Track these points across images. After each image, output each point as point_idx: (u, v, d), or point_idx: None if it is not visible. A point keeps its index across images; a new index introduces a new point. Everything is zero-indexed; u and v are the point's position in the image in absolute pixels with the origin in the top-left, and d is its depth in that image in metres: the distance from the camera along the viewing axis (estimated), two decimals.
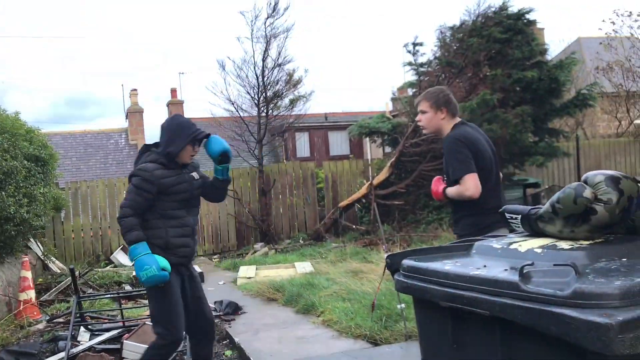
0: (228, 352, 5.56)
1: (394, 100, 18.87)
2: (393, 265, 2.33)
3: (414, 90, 13.95)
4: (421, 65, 13.10)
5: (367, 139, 15.50)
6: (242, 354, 5.34)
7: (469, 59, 11.97)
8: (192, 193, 3.75)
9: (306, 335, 5.70)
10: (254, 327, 6.19)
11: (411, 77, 13.81)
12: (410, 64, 13.10)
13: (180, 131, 3.65)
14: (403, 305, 5.28)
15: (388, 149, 15.89)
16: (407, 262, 2.19)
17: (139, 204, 3.54)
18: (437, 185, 3.67)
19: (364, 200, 13.49)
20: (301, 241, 13.63)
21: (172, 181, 3.63)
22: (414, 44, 12.70)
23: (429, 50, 13.53)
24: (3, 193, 7.03)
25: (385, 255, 5.37)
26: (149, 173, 3.57)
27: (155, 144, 3.78)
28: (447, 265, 2.02)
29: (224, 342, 5.93)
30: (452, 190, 3.45)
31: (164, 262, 3.41)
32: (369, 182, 13.17)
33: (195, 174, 3.84)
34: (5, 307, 7.20)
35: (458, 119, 3.60)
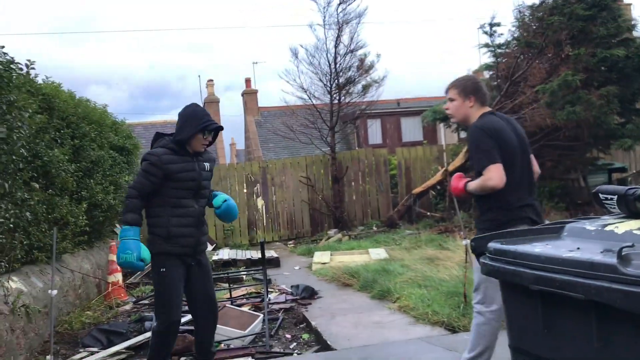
0: (305, 336, 5.64)
1: None
2: (477, 248, 2.26)
3: (491, 72, 13.51)
4: (498, 46, 12.64)
5: (442, 124, 15.18)
6: (319, 337, 5.39)
7: (549, 39, 11.44)
8: (200, 182, 3.77)
9: (382, 320, 5.68)
10: (330, 312, 6.24)
11: (488, 59, 13.36)
12: (486, 45, 12.67)
13: (192, 120, 3.72)
14: None
15: (463, 134, 15.51)
16: (493, 244, 2.12)
17: (145, 186, 3.67)
18: (458, 181, 3.49)
19: (438, 187, 13.26)
20: (374, 228, 13.60)
21: (179, 167, 3.68)
22: (491, 25, 12.26)
23: (507, 31, 12.97)
24: (91, 181, 7.42)
25: (464, 241, 5.27)
26: (156, 157, 3.68)
27: (172, 134, 3.89)
28: (537, 248, 1.94)
29: (301, 325, 6.02)
30: (474, 184, 3.30)
31: (145, 253, 3.53)
32: (444, 169, 12.92)
33: (207, 165, 3.87)
34: (95, 289, 7.63)
35: (487, 109, 3.44)
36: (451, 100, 3.42)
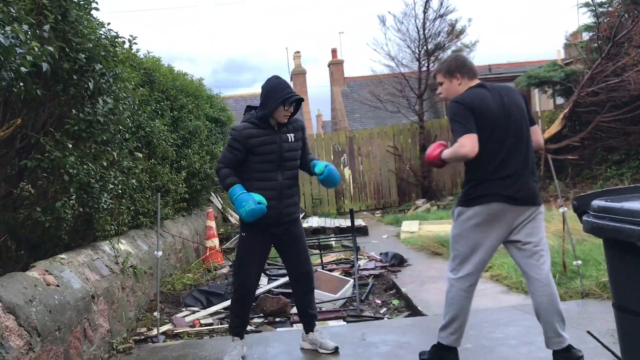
0: (395, 301, 5.69)
1: (566, 46, 17.37)
2: (580, 207, 2.20)
3: (591, 34, 12.71)
4: (600, 4, 11.85)
5: (537, 90, 14.52)
6: (409, 303, 5.43)
7: None
8: (282, 154, 3.79)
9: None
10: (419, 279, 6.25)
11: (587, 19, 12.57)
12: (587, 4, 11.93)
13: (273, 93, 3.76)
14: (579, 262, 4.98)
15: (560, 100, 14.78)
16: (597, 202, 2.05)
17: (229, 159, 3.79)
18: (435, 148, 3.45)
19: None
20: None
21: (260, 141, 3.73)
22: None
23: None
24: (189, 150, 7.79)
25: (561, 209, 5.08)
26: (237, 132, 3.79)
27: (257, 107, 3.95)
28: None
29: (391, 291, 6.08)
30: (447, 151, 3.30)
31: (259, 197, 3.62)
32: None
33: (291, 135, 3.87)
34: (194, 253, 8.06)
35: (477, 81, 3.35)
36: (440, 84, 3.45)
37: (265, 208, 3.63)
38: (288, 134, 3.86)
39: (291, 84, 24.19)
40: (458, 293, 3.27)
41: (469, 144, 3.06)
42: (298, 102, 3.88)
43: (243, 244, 3.90)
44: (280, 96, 3.74)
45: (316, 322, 4.07)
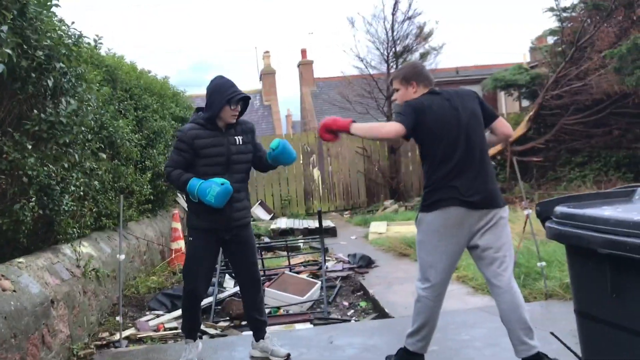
0: (363, 303, 5.69)
1: (532, 50, 17.69)
2: (543, 213, 2.21)
3: (556, 38, 12.97)
4: (564, 10, 12.11)
5: (503, 92, 14.77)
6: (376, 305, 5.44)
7: (619, 1, 10.86)
8: (230, 157, 3.70)
9: None
10: (386, 281, 6.26)
11: (552, 23, 12.82)
12: (551, 9, 12.16)
13: (218, 93, 3.67)
14: (543, 263, 5.06)
15: (525, 103, 15.05)
16: (560, 208, 2.07)
17: (177, 162, 3.69)
18: (338, 119, 3.42)
19: (498, 157, 12.94)
20: None
21: (207, 142, 3.65)
22: None
23: None
24: (154, 151, 7.65)
25: (525, 211, 5.15)
26: (183, 133, 3.70)
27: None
28: (607, 211, 1.88)
29: (358, 293, 6.08)
30: (364, 125, 3.34)
31: (220, 179, 3.55)
32: None
33: (240, 138, 3.76)
34: (159, 256, 7.93)
35: (434, 89, 3.39)
36: (396, 90, 3.46)
37: (230, 186, 3.55)
38: (236, 136, 3.76)
39: (260, 84, 24.08)
40: (426, 304, 3.25)
41: (391, 127, 3.12)
42: (245, 101, 3.79)
43: (191, 249, 3.82)
44: (226, 95, 3.63)
45: (266, 329, 3.99)
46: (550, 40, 13.74)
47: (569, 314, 4.20)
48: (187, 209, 3.93)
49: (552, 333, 3.45)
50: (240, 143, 3.77)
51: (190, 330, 3.92)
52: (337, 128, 3.35)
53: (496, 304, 3.23)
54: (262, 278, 6.11)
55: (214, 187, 3.51)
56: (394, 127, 3.11)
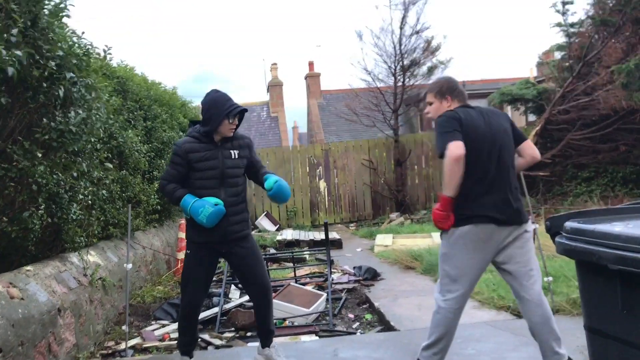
0: (368, 316, 5.67)
1: (539, 65, 17.70)
2: (553, 228, 2.21)
3: (563, 53, 12.99)
4: (572, 25, 12.13)
5: (509, 106, 14.75)
6: (382, 318, 5.41)
7: (627, 17, 10.87)
8: (224, 171, 3.69)
9: None
10: (392, 293, 6.24)
11: (560, 39, 12.84)
12: (559, 24, 12.18)
13: (215, 108, 3.66)
14: (550, 278, 5.03)
15: (532, 117, 15.03)
16: (570, 224, 2.07)
17: (172, 175, 3.71)
18: (438, 211, 3.21)
19: None
20: None
21: (201, 156, 3.65)
22: (564, 3, 11.78)
23: (581, 9, 12.49)
24: (162, 161, 7.68)
25: (532, 225, 5.14)
26: (177, 147, 3.70)
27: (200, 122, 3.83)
28: (617, 227, 1.88)
29: (364, 305, 6.06)
30: (445, 181, 3.12)
31: (214, 199, 3.57)
32: None
33: (235, 152, 3.76)
34: (165, 265, 7.93)
35: (467, 104, 3.39)
36: (430, 103, 3.46)
37: (223, 207, 3.56)
38: (231, 150, 3.76)
39: (267, 96, 24.18)
40: (446, 315, 3.23)
41: (453, 148, 3.01)
42: (242, 113, 3.79)
43: (188, 262, 3.81)
44: (224, 109, 3.64)
45: (273, 339, 3.97)
46: (558, 55, 13.76)
47: (577, 330, 4.19)
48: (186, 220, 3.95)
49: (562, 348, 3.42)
50: (236, 157, 3.77)
51: (186, 344, 3.91)
52: (444, 208, 3.17)
53: (526, 318, 3.21)
54: None
55: (207, 208, 3.52)
56: (453, 153, 2.99)
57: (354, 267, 7.56)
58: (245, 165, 3.85)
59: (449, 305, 3.23)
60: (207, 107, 3.70)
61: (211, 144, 3.71)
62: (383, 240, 9.81)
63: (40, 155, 3.89)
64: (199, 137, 3.71)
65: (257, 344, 4.67)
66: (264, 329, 3.92)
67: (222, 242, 3.73)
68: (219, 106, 3.66)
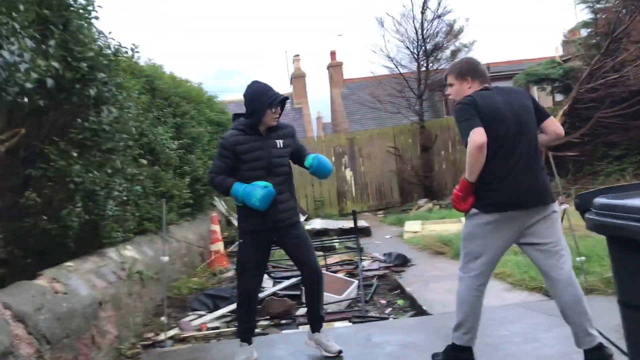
0: (400, 301, 5.72)
1: (565, 43, 17.40)
2: (582, 205, 2.22)
3: (589, 30, 12.74)
4: (597, 1, 11.89)
5: (536, 87, 14.54)
6: (414, 303, 5.45)
7: None
8: (271, 160, 3.75)
9: None
10: (423, 279, 6.27)
11: (585, 15, 12.61)
12: (584, 1, 11.95)
13: (258, 99, 3.69)
14: (583, 258, 4.99)
15: (559, 97, 14.80)
16: (600, 199, 2.08)
17: (220, 168, 3.78)
18: (458, 195, 3.24)
19: None
20: None
21: (248, 147, 3.71)
22: None
23: None
24: (192, 156, 7.82)
25: (562, 206, 5.10)
26: (225, 140, 3.77)
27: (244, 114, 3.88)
28: None
29: (395, 291, 6.10)
30: (466, 167, 3.12)
31: (263, 182, 3.62)
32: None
33: (280, 142, 3.81)
34: (199, 257, 8.09)
35: (487, 86, 3.33)
36: (450, 85, 3.42)
37: (273, 189, 3.64)
38: (277, 140, 3.82)
39: (291, 88, 24.24)
40: (468, 291, 3.25)
41: (475, 135, 3.00)
42: (283, 102, 3.85)
43: (242, 250, 3.91)
44: (266, 100, 3.70)
45: (323, 324, 4.06)
46: (584, 32, 13.51)
47: (611, 309, 4.16)
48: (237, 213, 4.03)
49: (595, 328, 3.43)
50: (281, 146, 3.83)
51: (244, 332, 3.98)
52: (462, 191, 3.20)
53: (557, 299, 3.20)
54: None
55: (258, 190, 3.60)
56: (476, 141, 2.99)
57: (384, 254, 7.61)
58: (290, 152, 3.91)
59: (471, 282, 3.24)
60: (250, 99, 3.77)
61: (257, 135, 3.77)
62: (412, 226, 9.82)
63: (75, 154, 4.03)
64: (245, 130, 3.78)
65: (291, 331, 4.76)
66: (314, 314, 3.99)
67: (273, 230, 3.81)
68: (261, 97, 3.72)
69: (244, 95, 3.84)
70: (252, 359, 3.92)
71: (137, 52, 5.04)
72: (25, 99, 3.18)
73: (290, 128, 3.99)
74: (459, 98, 3.36)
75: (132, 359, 4.41)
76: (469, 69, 3.35)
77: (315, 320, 4.00)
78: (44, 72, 3.19)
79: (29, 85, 3.02)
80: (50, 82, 3.31)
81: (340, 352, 3.91)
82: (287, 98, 3.91)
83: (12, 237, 3.95)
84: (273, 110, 3.73)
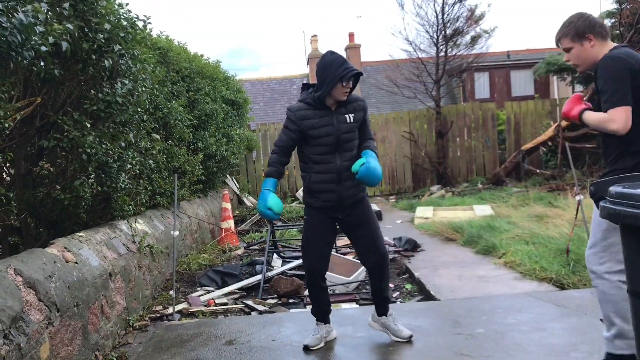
0: (408, 286, 5.72)
1: None
2: (597, 193, 2.18)
3: (613, 20, 12.48)
4: None
5: (556, 76, 14.36)
6: (422, 287, 5.45)
7: None
8: (339, 137, 3.57)
9: (487, 275, 5.63)
10: (432, 264, 6.26)
11: (610, 5, 12.35)
12: None
13: (329, 71, 3.51)
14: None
15: (578, 88, 14.59)
16: (615, 188, 2.04)
17: (285, 142, 3.66)
18: (574, 104, 2.92)
19: (549, 144, 12.64)
20: (479, 185, 13.29)
21: (315, 123, 3.56)
22: None
23: None
24: (206, 132, 7.82)
25: (577, 197, 5.05)
26: (292, 113, 3.61)
27: (313, 84, 3.71)
28: None
29: (404, 276, 6.10)
30: (592, 116, 2.78)
31: (272, 202, 3.52)
32: (557, 124, 12.26)
33: (350, 116, 3.62)
34: (209, 234, 8.14)
35: (612, 43, 2.87)
36: (567, 50, 2.94)
37: (275, 215, 3.57)
38: (346, 115, 3.61)
39: (308, 68, 24.12)
40: (618, 291, 2.79)
41: (621, 119, 2.61)
42: (357, 77, 3.63)
43: (307, 227, 3.77)
44: (338, 73, 3.49)
45: (389, 306, 3.87)
46: (608, 22, 13.24)
47: None
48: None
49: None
50: (351, 121, 3.63)
51: (318, 311, 3.86)
52: (572, 118, 2.94)
53: None
54: None
55: (261, 205, 3.56)
56: (621, 117, 2.60)
57: (394, 238, 7.60)
58: (357, 128, 3.69)
59: (617, 277, 2.81)
60: (322, 71, 3.57)
61: (325, 110, 3.60)
62: (423, 212, 9.78)
63: (89, 125, 4.04)
64: (313, 103, 3.61)
65: (298, 310, 4.78)
66: (379, 296, 3.83)
67: (338, 208, 3.67)
68: (333, 69, 3.51)
69: (317, 66, 3.67)
70: (329, 338, 3.83)
71: (150, 23, 4.99)
72: (42, 63, 3.18)
73: (362, 102, 3.75)
74: (584, 62, 2.92)
75: (140, 330, 4.46)
76: (588, 25, 2.86)
77: (382, 303, 3.84)
78: (58, 35, 3.18)
79: (44, 48, 3.01)
80: (65, 45, 3.29)
81: (411, 336, 3.77)
82: (361, 73, 3.68)
83: (25, 206, 3.99)
84: (344, 83, 3.52)
